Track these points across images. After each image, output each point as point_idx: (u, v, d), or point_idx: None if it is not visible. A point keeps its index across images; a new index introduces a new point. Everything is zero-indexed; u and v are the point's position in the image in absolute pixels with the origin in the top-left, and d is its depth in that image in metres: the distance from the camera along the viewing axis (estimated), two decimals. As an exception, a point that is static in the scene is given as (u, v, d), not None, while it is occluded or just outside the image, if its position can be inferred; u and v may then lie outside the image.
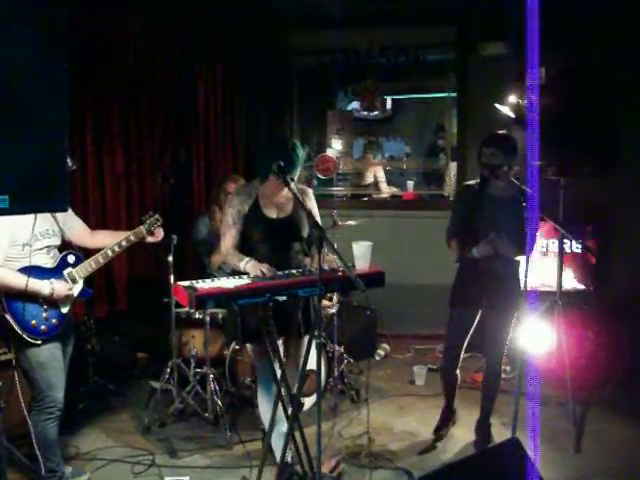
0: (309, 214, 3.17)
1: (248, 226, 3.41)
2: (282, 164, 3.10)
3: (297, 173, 3.31)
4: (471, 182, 3.70)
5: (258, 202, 3.41)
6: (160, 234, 3.62)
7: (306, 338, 3.59)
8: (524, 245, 3.49)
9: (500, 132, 3.74)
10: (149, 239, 3.57)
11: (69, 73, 1.88)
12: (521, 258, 3.59)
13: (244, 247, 3.42)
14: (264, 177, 3.32)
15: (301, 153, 3.32)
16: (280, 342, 3.32)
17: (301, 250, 3.51)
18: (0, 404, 2.97)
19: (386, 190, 7.35)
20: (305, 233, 3.48)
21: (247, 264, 3.25)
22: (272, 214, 3.42)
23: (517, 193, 3.58)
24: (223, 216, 3.49)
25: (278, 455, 3.30)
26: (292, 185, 3.11)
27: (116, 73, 5.00)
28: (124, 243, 3.42)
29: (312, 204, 3.48)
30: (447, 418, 4.01)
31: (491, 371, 3.83)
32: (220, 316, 4.39)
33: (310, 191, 3.55)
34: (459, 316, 3.76)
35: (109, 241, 3.40)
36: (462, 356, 3.84)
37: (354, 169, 7.52)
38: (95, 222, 4.82)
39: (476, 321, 3.73)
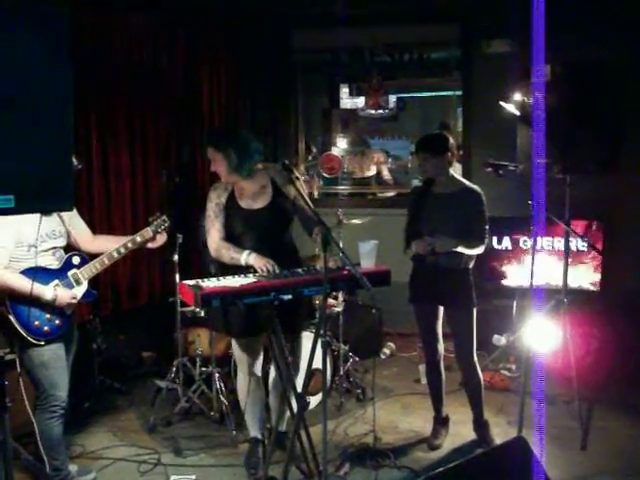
0: (300, 208, 3.19)
1: (228, 219, 3.38)
2: (287, 162, 3.09)
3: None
4: (419, 184, 3.85)
5: (234, 194, 3.39)
6: (162, 239, 3.54)
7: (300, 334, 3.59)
8: (468, 239, 3.56)
9: (430, 134, 3.86)
10: (149, 245, 3.51)
11: (74, 72, 1.88)
12: (470, 251, 3.61)
13: (229, 241, 3.37)
14: (249, 174, 3.32)
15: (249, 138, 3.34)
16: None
17: (292, 239, 3.48)
18: (6, 403, 2.97)
19: (390, 182, 7.32)
20: (291, 218, 3.44)
21: (249, 256, 3.21)
22: (248, 205, 3.37)
23: (460, 188, 3.66)
24: (205, 212, 3.43)
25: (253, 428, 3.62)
26: (297, 183, 3.11)
27: (121, 73, 5.01)
28: (130, 245, 3.40)
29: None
30: (439, 427, 3.94)
31: (464, 370, 3.84)
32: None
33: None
34: (419, 312, 3.83)
35: (110, 246, 3.36)
36: (442, 353, 3.85)
37: (359, 167, 7.51)
38: (100, 221, 4.83)
39: (440, 315, 3.78)
